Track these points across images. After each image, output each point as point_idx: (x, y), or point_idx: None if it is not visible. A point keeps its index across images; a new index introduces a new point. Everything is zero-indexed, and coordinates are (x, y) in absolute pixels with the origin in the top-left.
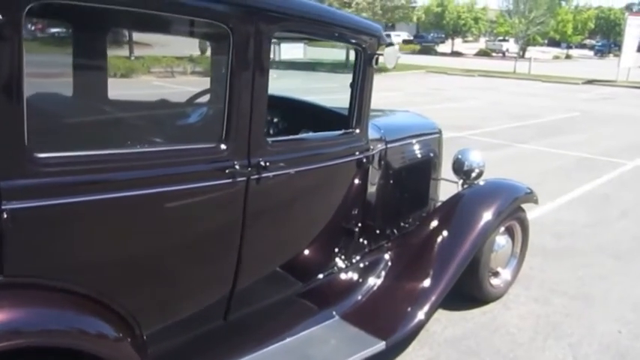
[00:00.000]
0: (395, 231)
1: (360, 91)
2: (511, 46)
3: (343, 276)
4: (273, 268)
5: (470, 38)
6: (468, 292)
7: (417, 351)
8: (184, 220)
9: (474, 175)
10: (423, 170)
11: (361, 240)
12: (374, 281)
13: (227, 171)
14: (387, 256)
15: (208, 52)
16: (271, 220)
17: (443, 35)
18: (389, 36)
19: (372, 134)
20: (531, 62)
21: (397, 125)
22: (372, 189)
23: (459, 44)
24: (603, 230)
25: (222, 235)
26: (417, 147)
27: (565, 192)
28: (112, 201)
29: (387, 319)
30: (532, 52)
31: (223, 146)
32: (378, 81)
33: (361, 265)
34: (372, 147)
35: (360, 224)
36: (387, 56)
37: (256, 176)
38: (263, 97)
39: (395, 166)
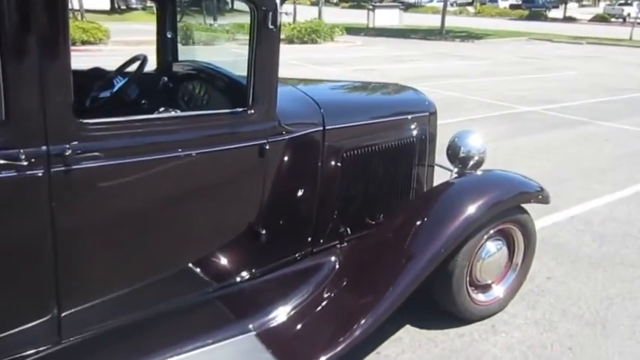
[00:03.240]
0: (349, 230)
1: (255, 61)
2: (634, 10)
3: (273, 282)
4: (125, 272)
5: (587, 2)
6: (442, 306)
7: None
8: None
9: (471, 163)
10: (397, 157)
11: (299, 240)
12: (309, 291)
13: (1, 162)
14: (333, 259)
15: None
16: (104, 220)
17: None
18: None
19: (302, 115)
20: None
21: (354, 104)
22: (306, 179)
23: (574, 9)
24: None
25: (23, 238)
26: (385, 130)
27: (634, 182)
28: None
29: (305, 344)
30: None
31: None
32: (470, 49)
33: (299, 268)
34: (294, 130)
35: (290, 222)
36: None
37: (61, 168)
38: (63, 64)
39: (345, 153)
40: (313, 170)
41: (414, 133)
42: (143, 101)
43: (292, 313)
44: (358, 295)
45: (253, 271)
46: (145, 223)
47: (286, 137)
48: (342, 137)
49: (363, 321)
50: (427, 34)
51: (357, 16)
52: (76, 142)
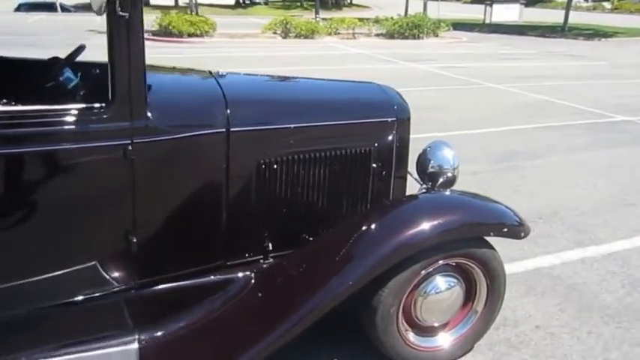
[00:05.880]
0: (274, 245)
1: (112, 53)
2: None
3: (170, 294)
4: None
5: None
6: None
7: None
8: None
9: (441, 180)
10: (343, 167)
11: (204, 251)
12: (212, 307)
13: None
14: (242, 275)
15: None
16: None
17: None
18: None
19: (195, 114)
20: None
21: (282, 104)
22: (202, 187)
23: None
24: None
25: None
26: (325, 135)
27: None
28: None
29: None
30: None
31: None
32: (590, 49)
33: (204, 281)
34: (177, 131)
35: (183, 231)
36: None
37: None
38: None
39: (265, 159)
40: (212, 177)
41: (371, 140)
42: (82, 92)
43: (184, 329)
44: (252, 320)
45: (141, 281)
46: None
47: (160, 138)
48: (258, 142)
49: (246, 350)
50: (547, 31)
51: (477, 12)
52: None
